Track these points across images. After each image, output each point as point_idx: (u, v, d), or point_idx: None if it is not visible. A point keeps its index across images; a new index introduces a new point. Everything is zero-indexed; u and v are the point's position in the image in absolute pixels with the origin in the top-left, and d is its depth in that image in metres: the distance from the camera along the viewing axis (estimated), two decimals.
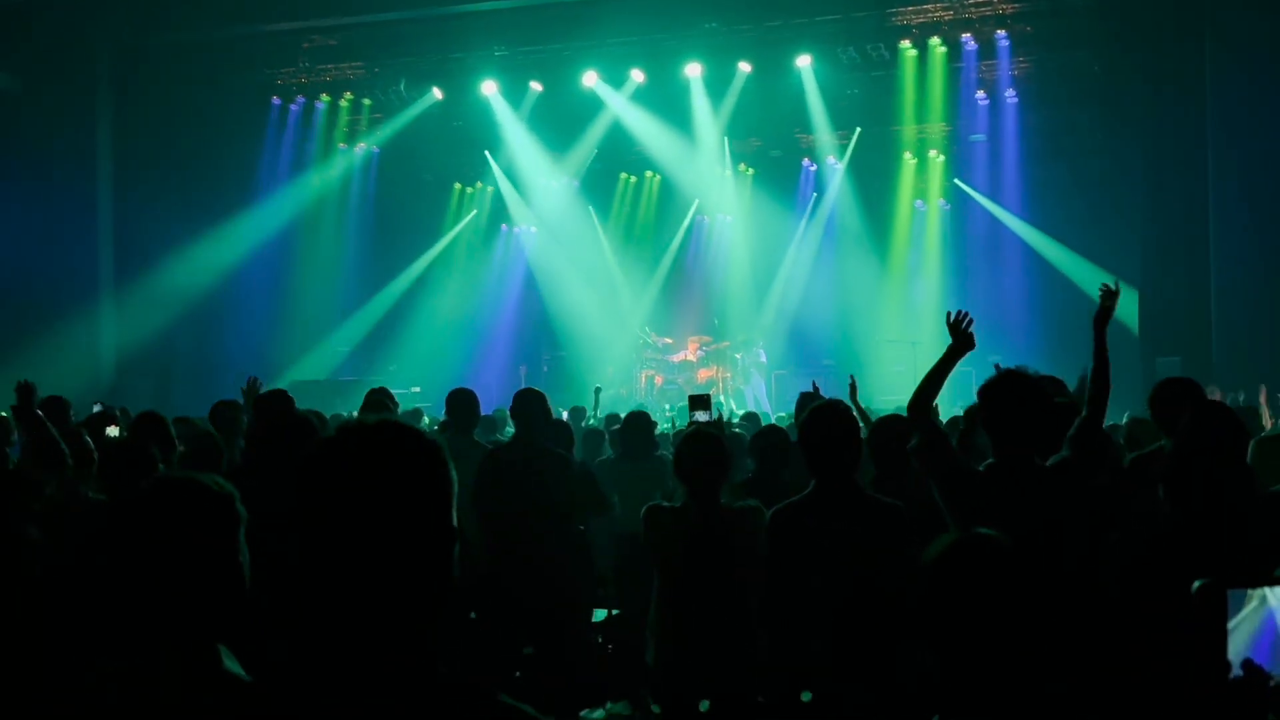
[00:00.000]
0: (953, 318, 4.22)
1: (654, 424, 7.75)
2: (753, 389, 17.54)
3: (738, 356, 17.93)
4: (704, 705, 4.33)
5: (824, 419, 4.02)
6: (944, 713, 1.82)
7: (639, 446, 7.19)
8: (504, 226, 20.83)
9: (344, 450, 1.51)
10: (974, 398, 4.07)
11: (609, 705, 6.97)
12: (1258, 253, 14.64)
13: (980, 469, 3.93)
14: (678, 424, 10.90)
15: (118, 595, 2.06)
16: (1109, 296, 4.47)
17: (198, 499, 2.07)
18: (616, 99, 17.64)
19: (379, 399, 6.90)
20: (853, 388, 7.46)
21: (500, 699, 1.49)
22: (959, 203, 18.66)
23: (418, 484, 1.50)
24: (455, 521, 1.55)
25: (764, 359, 17.90)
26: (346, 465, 1.49)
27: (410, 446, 1.52)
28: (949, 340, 4.12)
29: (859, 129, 18.19)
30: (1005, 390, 3.88)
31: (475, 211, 20.67)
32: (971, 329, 4.16)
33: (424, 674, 1.48)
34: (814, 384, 6.92)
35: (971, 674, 1.80)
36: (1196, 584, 2.49)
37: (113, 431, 5.77)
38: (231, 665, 2.01)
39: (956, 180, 18.55)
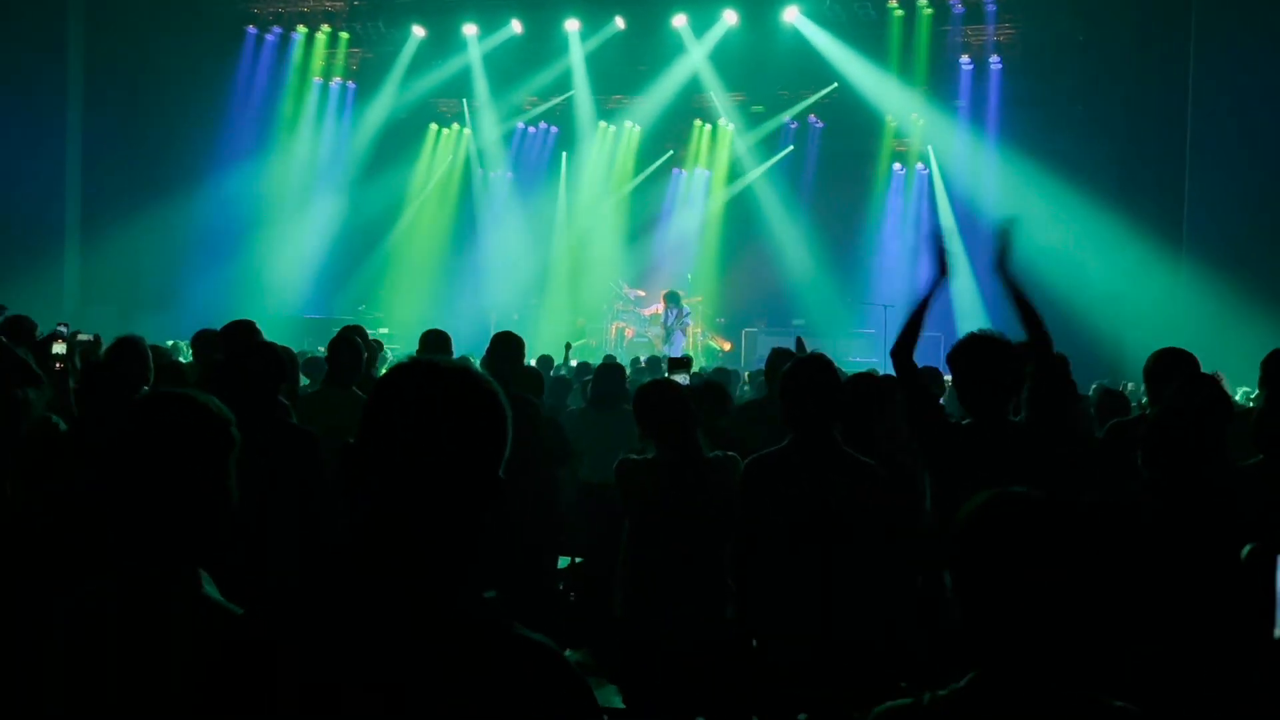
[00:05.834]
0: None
1: (625, 374, 7.70)
2: (670, 348, 17.12)
3: (667, 314, 17.61)
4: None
5: (805, 371, 3.98)
6: (982, 668, 1.81)
7: (609, 396, 7.15)
8: (479, 170, 20.56)
9: (436, 389, 1.53)
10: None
11: (569, 654, 6.97)
12: (1229, 241, 14.68)
13: (962, 424, 3.91)
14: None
15: (103, 513, 2.00)
16: (1003, 236, 3.91)
17: (200, 417, 2.01)
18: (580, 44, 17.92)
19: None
20: (799, 346, 7.45)
21: (517, 630, 1.52)
22: (936, 168, 18.58)
23: (492, 436, 1.57)
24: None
25: (689, 320, 17.59)
26: (438, 404, 1.51)
27: (496, 401, 1.57)
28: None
29: (840, 88, 18.05)
30: (974, 354, 3.84)
31: (450, 155, 20.36)
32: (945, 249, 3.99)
33: (453, 611, 1.51)
34: (799, 340, 6.92)
35: (1008, 634, 1.78)
36: (1247, 549, 2.47)
37: (59, 349, 5.55)
38: (210, 590, 1.97)
39: (930, 148, 18.47)
